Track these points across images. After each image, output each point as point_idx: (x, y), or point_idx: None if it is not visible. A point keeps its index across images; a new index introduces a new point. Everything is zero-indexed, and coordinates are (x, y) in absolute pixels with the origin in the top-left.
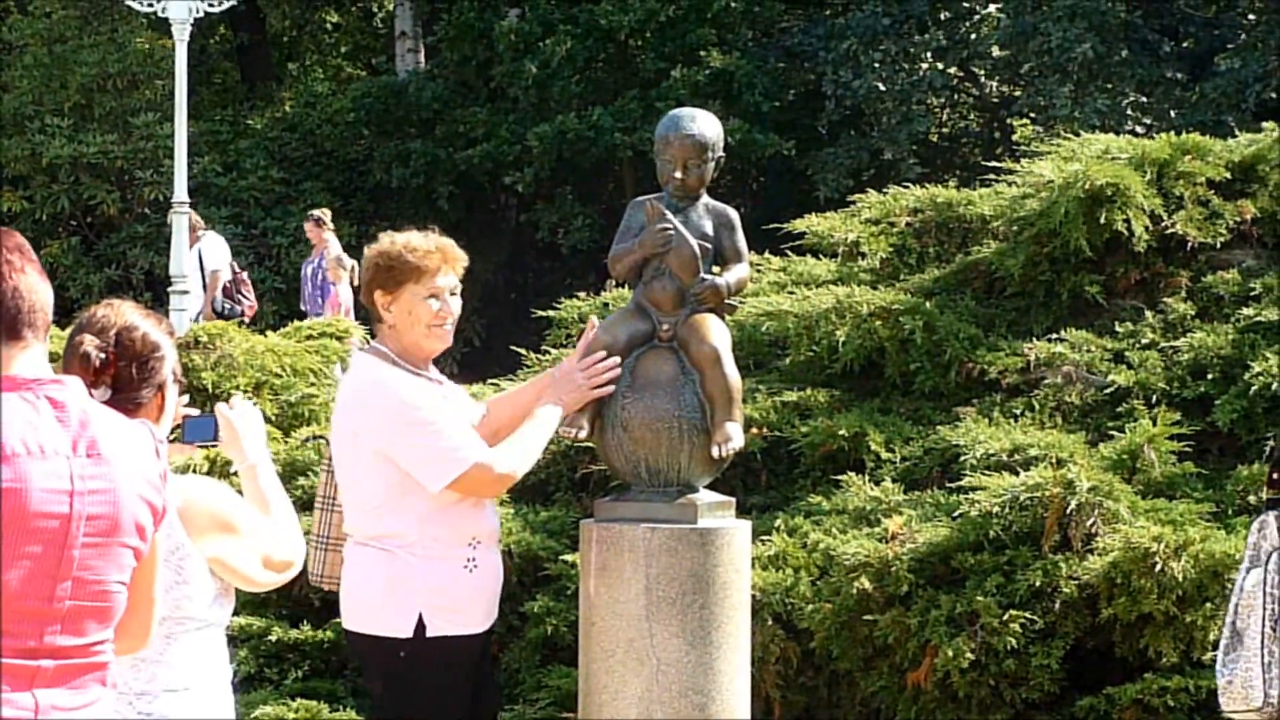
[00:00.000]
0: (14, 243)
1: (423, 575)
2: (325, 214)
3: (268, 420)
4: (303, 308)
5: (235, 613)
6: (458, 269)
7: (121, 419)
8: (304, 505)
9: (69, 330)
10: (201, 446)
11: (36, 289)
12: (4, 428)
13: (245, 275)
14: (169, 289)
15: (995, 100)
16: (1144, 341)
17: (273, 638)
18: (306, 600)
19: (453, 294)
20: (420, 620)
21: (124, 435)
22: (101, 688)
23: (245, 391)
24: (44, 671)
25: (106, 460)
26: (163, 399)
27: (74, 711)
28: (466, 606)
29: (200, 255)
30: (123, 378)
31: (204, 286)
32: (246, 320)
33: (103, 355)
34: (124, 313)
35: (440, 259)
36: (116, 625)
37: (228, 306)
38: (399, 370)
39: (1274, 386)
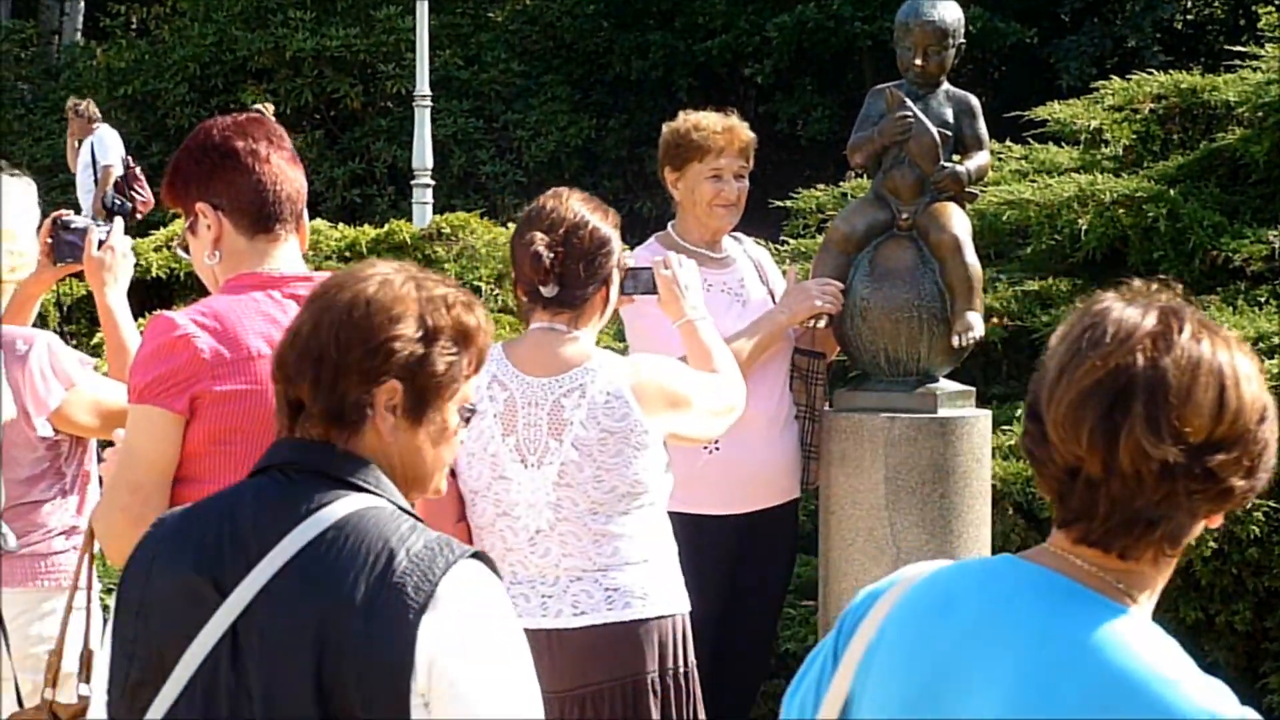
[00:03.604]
0: (262, 131)
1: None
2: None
3: (505, 311)
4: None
5: None
6: (744, 151)
7: None
8: None
9: (518, 223)
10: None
11: (284, 179)
12: (245, 329)
13: (138, 170)
14: (412, 182)
15: None
16: None
17: None
18: None
19: (738, 176)
20: None
21: None
22: None
23: (488, 282)
24: None
25: None
26: (606, 293)
27: None
28: (698, 487)
29: (92, 149)
30: (570, 274)
31: (95, 181)
32: (140, 216)
33: (552, 255)
34: (573, 206)
35: (725, 139)
36: None
37: (119, 202)
38: (658, 254)
39: None
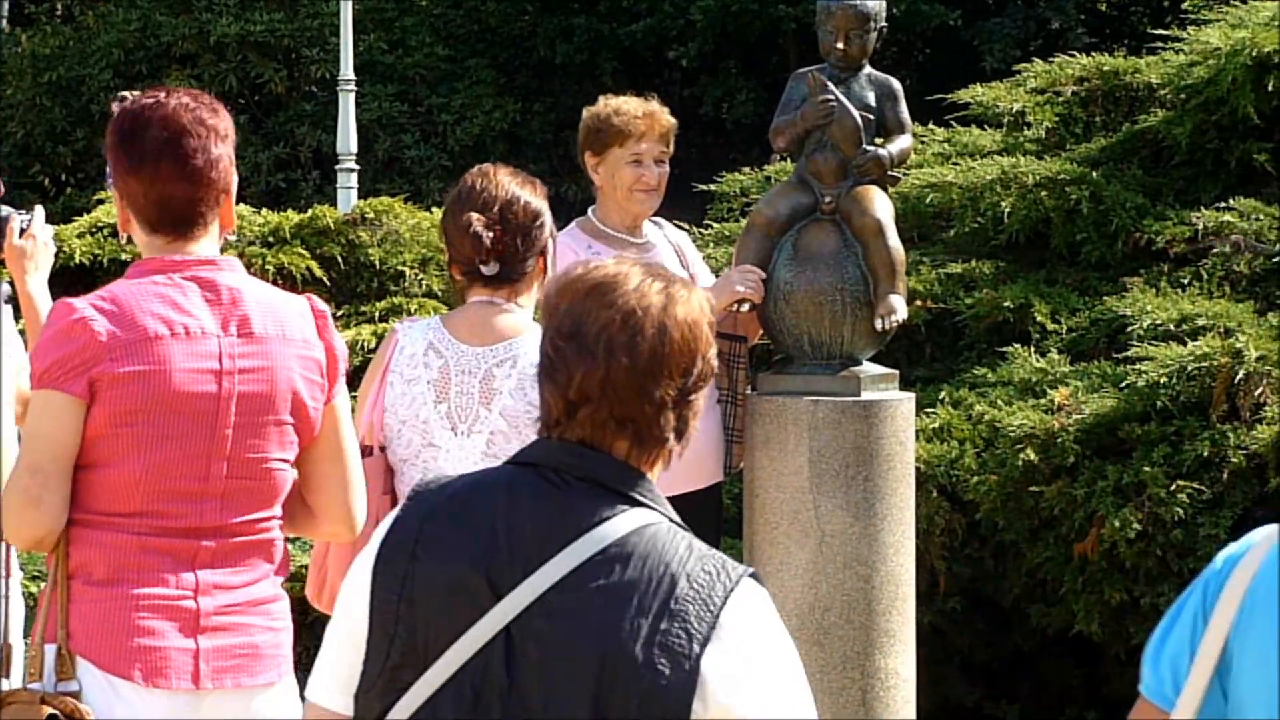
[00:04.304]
0: (195, 130)
1: None
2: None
3: (430, 295)
4: None
5: None
6: (665, 136)
7: (280, 295)
8: None
9: (447, 201)
10: None
11: (195, 191)
12: (143, 311)
13: None
14: (337, 167)
15: None
16: None
17: None
18: None
19: (658, 161)
20: None
21: (280, 312)
22: (267, 564)
23: (412, 267)
24: (205, 550)
25: (259, 339)
26: (543, 264)
27: (236, 591)
28: None
29: None
30: (509, 250)
31: None
32: None
33: (491, 234)
34: (502, 183)
35: (646, 124)
36: (316, 507)
37: None
38: (579, 240)
39: None
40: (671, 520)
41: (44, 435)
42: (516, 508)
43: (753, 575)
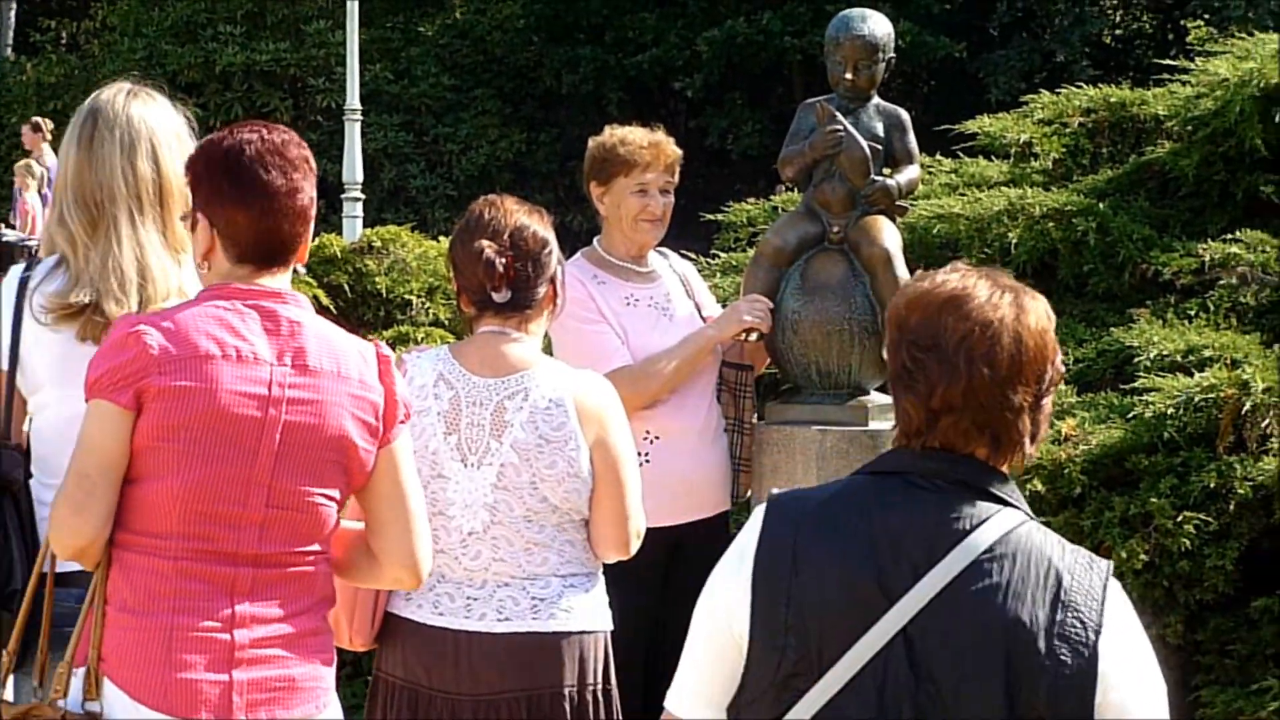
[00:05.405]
0: (281, 161)
1: None
2: (45, 122)
3: (436, 324)
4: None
5: None
6: (670, 166)
7: (342, 335)
8: None
9: (455, 231)
10: None
11: (286, 224)
12: (198, 330)
13: None
14: (343, 196)
15: (1169, 1)
16: None
17: None
18: None
19: (663, 191)
20: None
21: (338, 350)
22: (308, 597)
23: (419, 296)
24: (242, 579)
25: (314, 372)
26: (553, 292)
27: (274, 623)
28: None
29: None
30: (520, 278)
31: None
32: None
33: (503, 260)
34: (511, 211)
35: (651, 154)
36: (379, 552)
37: None
38: (584, 269)
39: None
40: (1030, 517)
41: (91, 444)
42: (891, 515)
43: (1116, 571)
